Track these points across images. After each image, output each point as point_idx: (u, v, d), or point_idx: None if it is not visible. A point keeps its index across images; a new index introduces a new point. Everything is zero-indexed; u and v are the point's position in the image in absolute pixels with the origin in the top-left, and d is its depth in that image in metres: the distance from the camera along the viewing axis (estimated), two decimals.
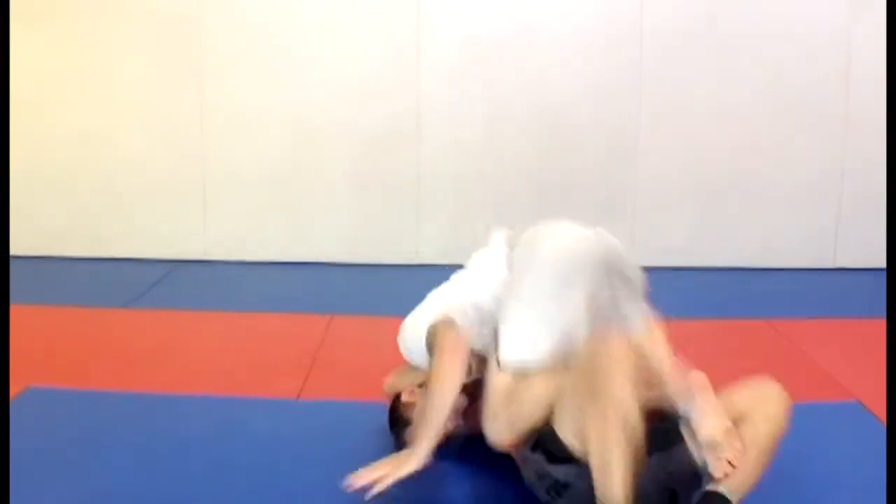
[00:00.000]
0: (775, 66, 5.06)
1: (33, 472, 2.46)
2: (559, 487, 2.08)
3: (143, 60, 5.16)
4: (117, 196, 5.29)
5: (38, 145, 5.23)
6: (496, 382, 2.26)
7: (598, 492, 1.97)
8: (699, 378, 2.17)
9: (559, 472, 2.08)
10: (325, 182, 5.24)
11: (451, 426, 2.33)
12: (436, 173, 5.20)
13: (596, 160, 5.18)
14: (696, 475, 2.07)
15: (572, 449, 2.07)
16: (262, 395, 3.17)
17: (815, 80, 5.06)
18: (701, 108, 5.13)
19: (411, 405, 2.46)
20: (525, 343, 2.26)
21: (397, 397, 2.56)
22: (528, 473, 2.20)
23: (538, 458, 2.13)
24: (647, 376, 2.15)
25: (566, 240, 2.45)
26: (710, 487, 2.06)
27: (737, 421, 2.09)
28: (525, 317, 2.31)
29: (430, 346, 2.33)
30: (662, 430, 2.08)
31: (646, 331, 2.34)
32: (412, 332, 2.48)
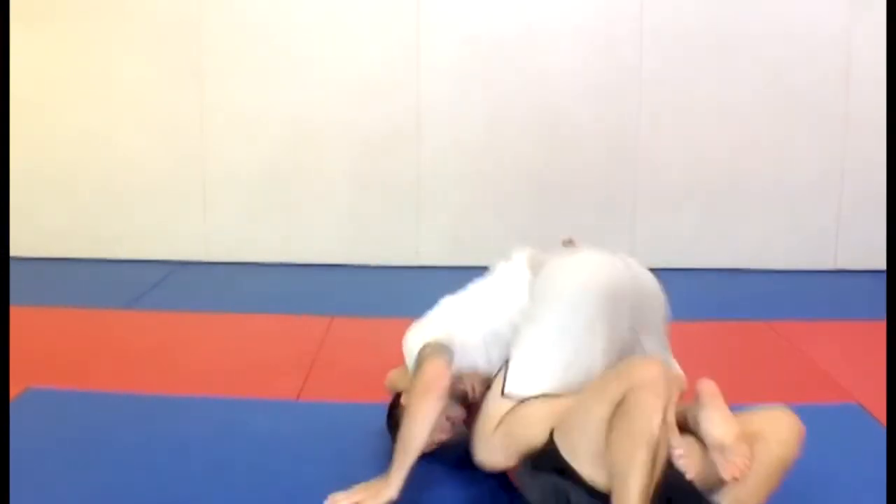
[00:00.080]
0: (775, 67, 5.06)
1: (33, 472, 2.46)
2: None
3: (143, 60, 5.16)
4: (117, 196, 5.29)
5: (38, 145, 5.23)
6: (493, 409, 2.23)
7: None
8: (709, 385, 2.14)
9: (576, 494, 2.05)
10: (325, 182, 5.24)
11: (445, 438, 2.32)
12: (436, 173, 5.20)
13: (596, 160, 5.18)
14: (698, 496, 2.06)
15: (591, 482, 2.02)
16: (262, 395, 3.17)
17: (815, 80, 5.06)
18: (701, 108, 5.13)
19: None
20: (534, 378, 2.23)
21: (397, 397, 2.55)
22: (534, 494, 2.17)
23: (558, 480, 2.09)
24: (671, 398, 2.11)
25: (590, 276, 2.34)
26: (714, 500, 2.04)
27: (750, 440, 2.06)
28: (539, 352, 2.26)
29: (415, 371, 2.31)
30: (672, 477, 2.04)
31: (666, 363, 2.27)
32: (412, 342, 2.44)
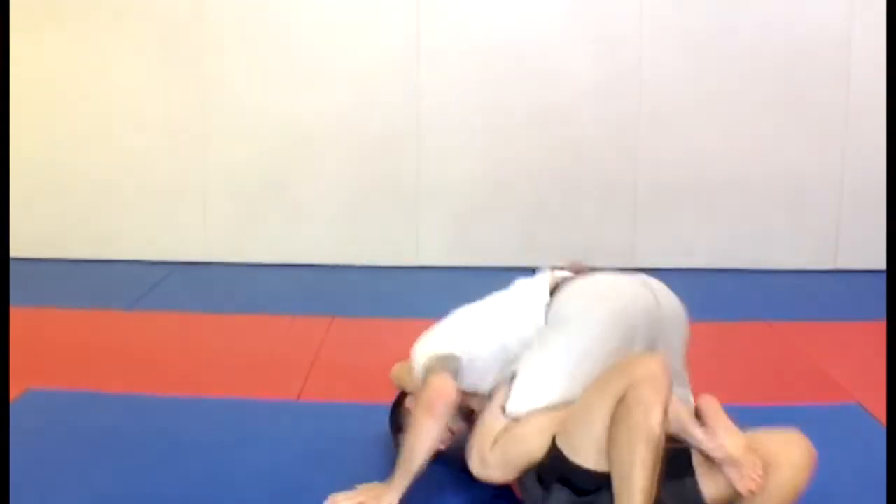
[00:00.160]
0: (775, 66, 5.06)
1: (33, 474, 2.46)
2: None
3: (143, 60, 5.16)
4: (117, 196, 5.28)
5: (38, 145, 5.22)
6: (490, 424, 2.22)
7: None
8: (710, 401, 2.13)
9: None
10: (325, 182, 5.24)
11: (443, 448, 2.31)
12: (436, 173, 5.20)
13: (596, 160, 5.18)
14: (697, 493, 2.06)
15: (598, 469, 2.00)
16: (262, 395, 3.17)
17: (816, 80, 5.06)
18: (701, 109, 5.12)
19: (409, 415, 2.44)
20: (537, 400, 2.19)
21: (401, 397, 2.54)
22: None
23: (563, 493, 2.08)
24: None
25: (606, 301, 2.28)
26: None
27: (759, 456, 2.04)
28: (545, 374, 2.21)
29: (421, 383, 2.29)
30: (676, 457, 2.04)
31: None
32: (420, 354, 2.39)
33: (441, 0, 5.09)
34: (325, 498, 2.25)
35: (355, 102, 5.15)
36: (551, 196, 5.21)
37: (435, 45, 5.10)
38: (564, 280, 2.39)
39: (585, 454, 2.03)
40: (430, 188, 5.21)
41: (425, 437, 2.20)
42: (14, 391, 2.89)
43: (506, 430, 2.19)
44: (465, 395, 2.33)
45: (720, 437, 2.06)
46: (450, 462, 2.36)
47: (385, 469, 2.36)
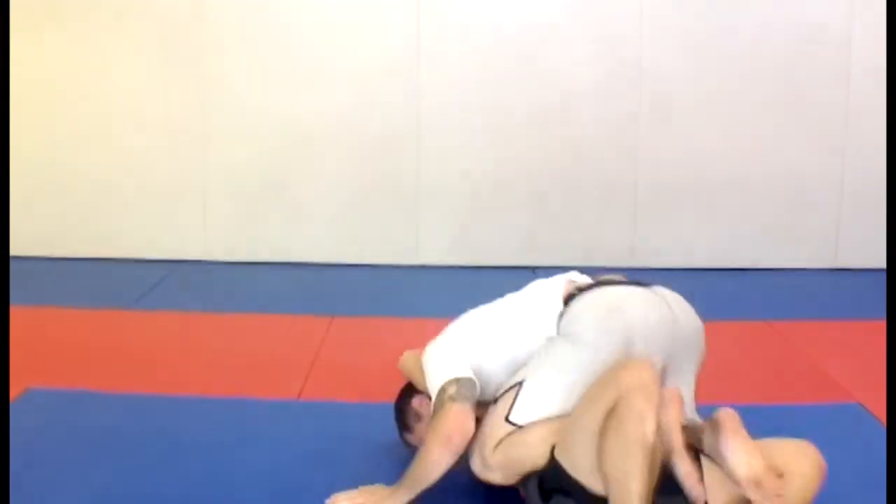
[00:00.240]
0: (776, 66, 5.06)
1: (33, 473, 2.46)
2: None
3: (143, 60, 5.16)
4: (117, 196, 5.28)
5: (38, 145, 5.22)
6: (493, 429, 2.21)
7: None
8: (730, 415, 2.05)
9: None
10: (324, 182, 5.24)
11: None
12: (436, 173, 5.20)
13: (596, 159, 5.18)
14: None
15: (599, 493, 1.99)
16: (262, 395, 3.17)
17: (816, 80, 5.06)
18: (701, 108, 5.12)
19: (417, 416, 2.43)
20: (542, 411, 2.18)
21: (407, 390, 2.51)
22: None
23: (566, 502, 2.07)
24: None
25: (619, 313, 2.23)
26: None
27: (776, 471, 1.99)
28: (552, 387, 2.19)
29: (435, 410, 2.24)
30: (669, 473, 2.01)
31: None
32: (435, 368, 2.33)
33: (442, 1, 5.09)
34: (325, 498, 2.25)
35: (355, 102, 5.15)
36: (551, 196, 5.21)
37: (435, 45, 5.10)
38: (580, 289, 2.35)
39: (582, 469, 2.03)
40: (430, 188, 5.21)
41: (437, 467, 2.18)
42: (14, 391, 2.90)
43: (508, 434, 2.19)
44: (477, 408, 2.30)
45: (741, 456, 1.99)
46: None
47: (385, 469, 2.37)
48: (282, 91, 5.15)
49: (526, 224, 5.22)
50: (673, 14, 5.04)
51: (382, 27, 5.11)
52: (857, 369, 3.43)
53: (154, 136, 5.22)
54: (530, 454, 2.14)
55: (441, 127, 5.16)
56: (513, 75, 5.11)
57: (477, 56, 5.11)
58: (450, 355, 2.35)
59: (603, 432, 1.97)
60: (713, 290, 4.77)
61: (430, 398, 2.33)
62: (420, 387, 2.43)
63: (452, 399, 2.21)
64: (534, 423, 2.17)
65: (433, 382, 2.30)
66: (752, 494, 1.96)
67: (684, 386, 2.24)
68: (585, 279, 2.45)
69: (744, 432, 2.03)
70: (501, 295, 2.53)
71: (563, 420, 2.13)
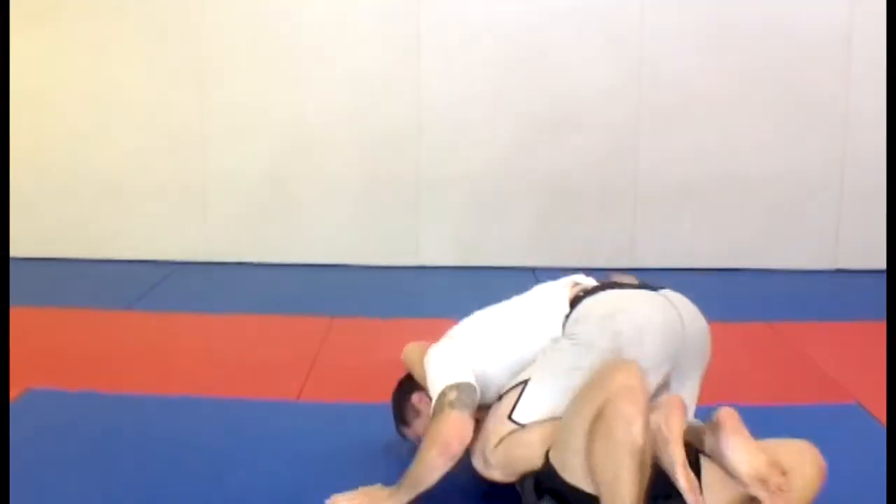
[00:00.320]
0: (775, 66, 5.06)
1: (33, 474, 2.46)
2: None
3: (142, 60, 5.16)
4: (117, 196, 5.29)
5: (38, 145, 5.23)
6: (495, 428, 2.21)
7: None
8: (731, 414, 2.06)
9: None
10: (325, 182, 5.24)
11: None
12: (436, 173, 5.20)
13: (596, 160, 5.18)
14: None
15: (587, 489, 1.99)
16: (262, 395, 3.17)
17: (815, 80, 5.06)
18: (701, 108, 5.12)
19: (415, 412, 2.43)
20: (544, 413, 2.19)
21: (405, 383, 2.51)
22: None
23: None
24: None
25: (625, 317, 2.23)
26: None
27: (779, 469, 2.00)
28: (557, 390, 2.19)
29: (434, 413, 2.24)
30: (664, 476, 2.01)
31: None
32: (437, 371, 2.32)
33: (443, 0, 5.09)
34: (325, 498, 2.25)
35: (356, 103, 5.15)
36: (551, 196, 5.21)
37: (436, 46, 5.10)
38: (585, 292, 2.34)
39: (573, 472, 2.03)
40: (430, 188, 5.21)
41: (435, 471, 2.18)
42: (14, 391, 2.90)
43: (510, 433, 2.19)
44: (477, 411, 2.29)
45: (743, 455, 1.99)
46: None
47: (385, 469, 2.37)
48: (282, 91, 5.15)
49: (526, 224, 5.22)
50: (673, 15, 5.04)
51: (383, 27, 5.10)
52: (857, 369, 3.44)
53: (154, 136, 5.22)
54: (530, 454, 2.14)
55: (442, 127, 5.16)
56: (514, 76, 5.11)
57: (478, 57, 5.11)
58: (453, 359, 2.34)
59: (591, 436, 1.98)
60: (713, 290, 4.76)
61: (429, 397, 2.33)
62: (420, 380, 2.43)
63: (452, 405, 2.21)
64: (535, 423, 2.18)
65: (434, 385, 2.30)
66: (756, 491, 1.97)
67: (689, 389, 2.24)
68: (591, 281, 2.44)
69: (744, 430, 2.04)
70: (502, 295, 2.53)
71: (557, 424, 2.13)
